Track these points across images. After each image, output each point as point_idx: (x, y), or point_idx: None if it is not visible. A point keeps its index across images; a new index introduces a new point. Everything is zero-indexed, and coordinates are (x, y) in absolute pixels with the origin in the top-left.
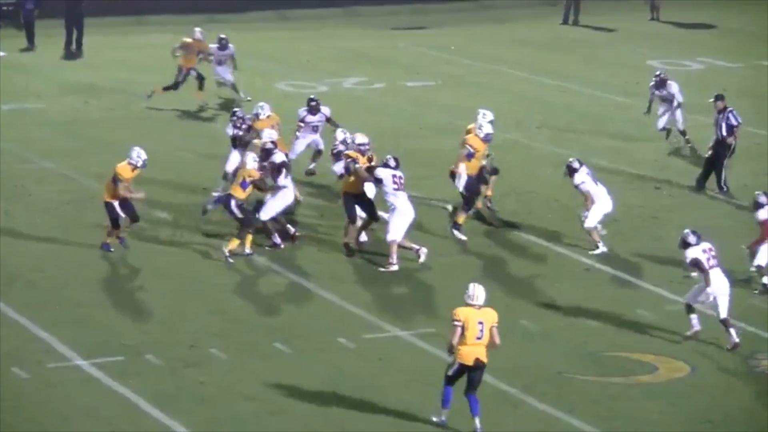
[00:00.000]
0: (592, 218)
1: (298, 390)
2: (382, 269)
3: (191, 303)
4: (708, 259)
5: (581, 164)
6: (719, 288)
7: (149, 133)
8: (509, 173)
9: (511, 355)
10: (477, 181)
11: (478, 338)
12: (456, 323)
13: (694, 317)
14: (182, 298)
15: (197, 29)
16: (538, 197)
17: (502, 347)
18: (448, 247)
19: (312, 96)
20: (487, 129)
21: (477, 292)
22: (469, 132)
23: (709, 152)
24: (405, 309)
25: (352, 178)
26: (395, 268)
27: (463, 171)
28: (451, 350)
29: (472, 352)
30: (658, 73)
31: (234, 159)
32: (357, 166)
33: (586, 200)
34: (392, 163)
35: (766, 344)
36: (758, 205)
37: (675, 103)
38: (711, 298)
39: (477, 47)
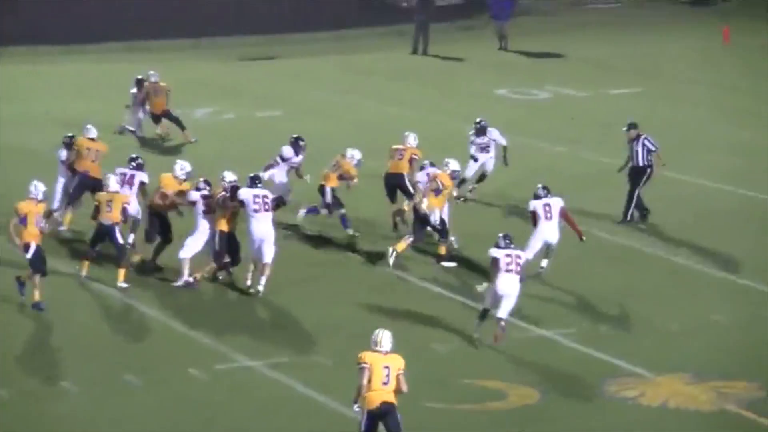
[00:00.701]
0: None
1: (150, 423)
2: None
3: (45, 335)
4: (508, 263)
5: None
6: (506, 290)
7: None
8: (359, 202)
9: (351, 381)
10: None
11: (384, 383)
12: (363, 365)
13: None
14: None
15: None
16: (388, 224)
17: (345, 372)
18: (300, 271)
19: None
20: (454, 166)
21: (382, 338)
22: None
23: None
24: (256, 338)
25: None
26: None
27: (428, 205)
28: (356, 399)
29: (377, 396)
30: (478, 120)
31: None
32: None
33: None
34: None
35: (613, 369)
36: (536, 197)
37: (491, 151)
38: (497, 298)
39: (327, 77)
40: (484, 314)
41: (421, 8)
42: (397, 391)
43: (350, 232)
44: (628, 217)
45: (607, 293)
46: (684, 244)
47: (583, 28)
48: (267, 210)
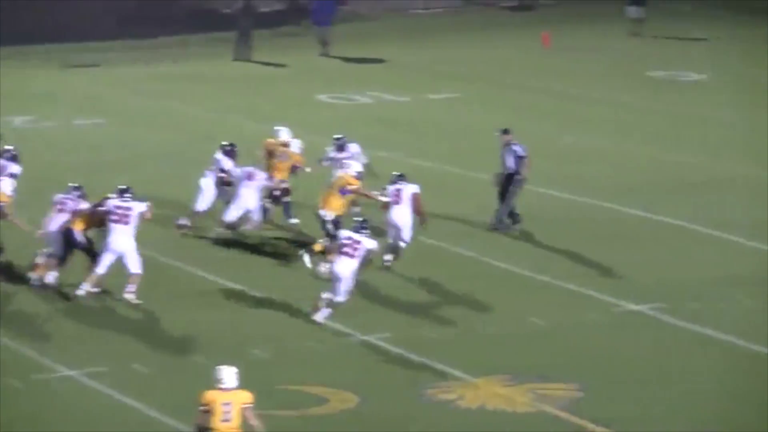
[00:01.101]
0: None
1: None
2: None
3: None
4: (344, 246)
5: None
6: (342, 272)
7: None
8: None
9: (169, 389)
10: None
11: (225, 420)
12: (201, 408)
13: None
14: None
15: None
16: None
17: (164, 380)
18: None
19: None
20: (356, 167)
21: (225, 375)
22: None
23: (498, 186)
24: (74, 347)
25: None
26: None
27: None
28: None
29: None
30: (338, 137)
31: None
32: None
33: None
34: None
35: (432, 373)
36: (390, 182)
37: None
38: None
39: (149, 84)
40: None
41: (243, 14)
42: (247, 428)
43: (293, 221)
44: (498, 224)
45: (426, 297)
46: (503, 248)
47: (404, 33)
48: (126, 223)
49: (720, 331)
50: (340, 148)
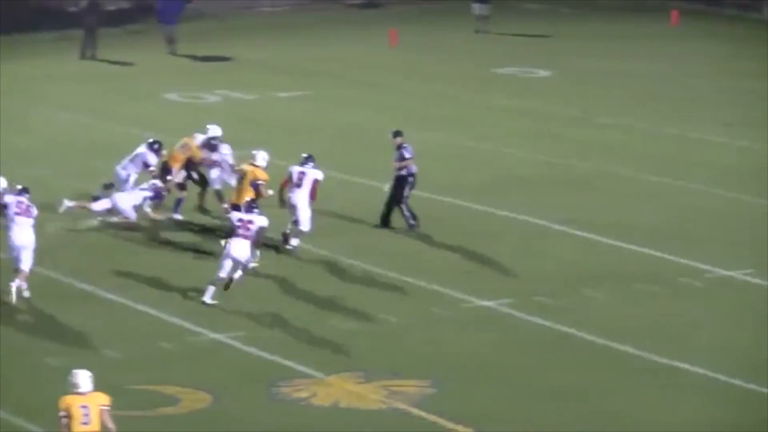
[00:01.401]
0: None
1: None
2: None
3: None
4: (238, 228)
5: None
6: (237, 253)
7: None
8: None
9: (21, 390)
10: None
11: (85, 423)
12: (60, 414)
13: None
14: None
15: None
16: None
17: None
18: None
19: None
20: (261, 161)
21: (80, 379)
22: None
23: (388, 189)
24: None
25: None
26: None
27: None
28: None
29: None
30: (213, 136)
31: None
32: None
33: None
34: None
35: (285, 371)
36: (300, 163)
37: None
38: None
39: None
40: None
41: (89, 13)
42: (104, 430)
43: (178, 216)
44: (413, 223)
45: (277, 295)
46: (352, 246)
47: (251, 31)
48: (29, 216)
49: (570, 327)
50: (212, 148)
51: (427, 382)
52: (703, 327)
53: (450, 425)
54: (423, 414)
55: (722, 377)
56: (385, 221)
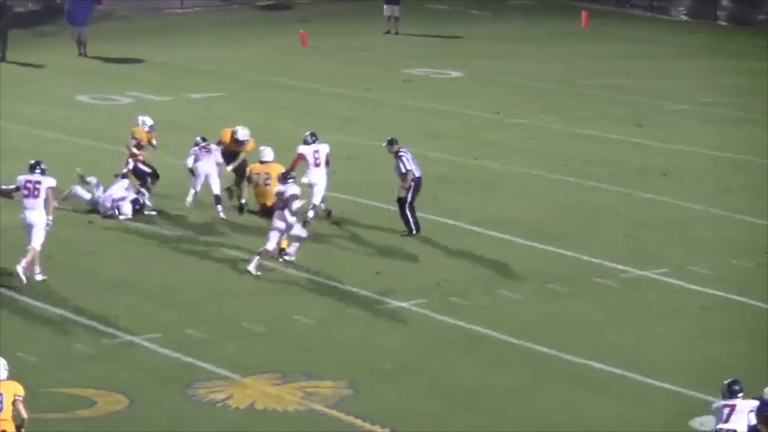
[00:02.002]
0: None
1: None
2: None
3: None
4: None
5: None
6: (275, 224)
7: None
8: None
9: None
10: None
11: None
12: None
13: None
14: None
15: None
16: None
17: None
18: None
19: None
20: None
21: None
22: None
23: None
24: None
25: None
26: None
27: None
28: None
29: None
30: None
31: None
32: None
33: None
34: None
35: (201, 373)
36: (305, 142)
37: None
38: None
39: None
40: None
41: None
42: (18, 419)
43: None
44: (414, 229)
45: (191, 296)
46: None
47: (161, 32)
48: (36, 197)
49: (485, 327)
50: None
51: (343, 383)
52: (618, 326)
53: (367, 426)
54: (340, 415)
55: (638, 377)
56: (416, 225)
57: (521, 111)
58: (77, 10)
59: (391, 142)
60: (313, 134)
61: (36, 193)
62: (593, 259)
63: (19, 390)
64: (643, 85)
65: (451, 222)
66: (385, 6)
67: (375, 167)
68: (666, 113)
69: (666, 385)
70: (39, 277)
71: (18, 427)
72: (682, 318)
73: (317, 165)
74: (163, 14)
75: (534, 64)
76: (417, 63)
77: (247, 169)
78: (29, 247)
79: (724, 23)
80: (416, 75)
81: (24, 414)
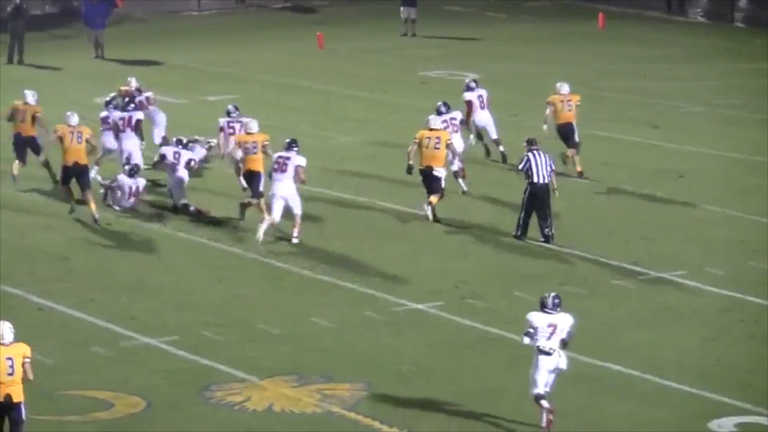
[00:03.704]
0: None
1: None
2: None
3: None
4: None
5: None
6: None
7: None
8: None
9: None
10: None
11: (9, 374)
12: None
13: None
14: None
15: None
16: None
17: None
18: None
19: None
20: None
21: (3, 330)
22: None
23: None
24: None
25: None
26: None
27: None
28: None
29: (3, 389)
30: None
31: None
32: None
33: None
34: None
35: (218, 375)
36: (468, 88)
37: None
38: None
39: None
40: None
41: (15, 17)
42: (25, 380)
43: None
44: (518, 232)
45: (210, 299)
46: (282, 248)
47: (179, 35)
48: (284, 171)
49: (501, 329)
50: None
51: (360, 385)
52: (635, 328)
53: (385, 428)
54: (358, 417)
55: (656, 379)
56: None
57: (538, 113)
58: (95, 12)
59: (527, 142)
60: (474, 80)
61: (284, 167)
62: (610, 261)
63: (27, 351)
64: (659, 87)
65: (468, 222)
66: (401, 8)
67: (391, 169)
68: (682, 115)
69: (684, 387)
70: (295, 240)
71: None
72: (699, 320)
73: (482, 108)
74: (180, 17)
75: (551, 66)
76: (434, 65)
77: (233, 139)
78: (269, 217)
79: (740, 24)
80: (433, 77)
81: (30, 375)
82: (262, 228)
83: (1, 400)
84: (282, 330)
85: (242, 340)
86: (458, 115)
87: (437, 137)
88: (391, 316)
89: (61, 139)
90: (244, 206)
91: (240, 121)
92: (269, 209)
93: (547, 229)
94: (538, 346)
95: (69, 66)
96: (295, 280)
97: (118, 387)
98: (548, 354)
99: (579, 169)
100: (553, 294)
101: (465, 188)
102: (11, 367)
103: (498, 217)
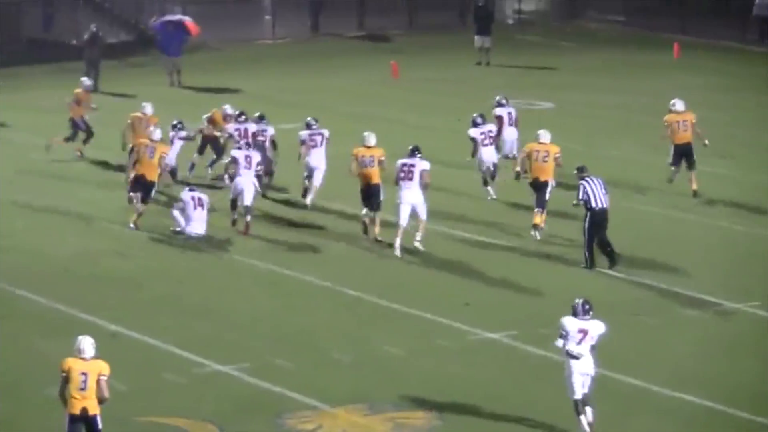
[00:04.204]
0: None
1: None
2: None
3: None
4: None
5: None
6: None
7: None
8: None
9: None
10: None
11: (82, 389)
12: (61, 374)
13: None
14: None
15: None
16: None
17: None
18: None
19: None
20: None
21: (84, 345)
22: None
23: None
24: None
25: None
26: None
27: None
28: (63, 401)
29: (77, 403)
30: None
31: None
32: None
33: None
34: None
35: (290, 403)
36: (499, 105)
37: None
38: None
39: None
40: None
41: (91, 45)
42: (100, 398)
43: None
44: (586, 263)
45: (280, 326)
46: (353, 275)
47: (252, 63)
48: (410, 179)
49: None
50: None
51: (433, 413)
52: (709, 358)
53: None
54: None
55: (731, 410)
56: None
57: (612, 143)
58: (171, 40)
59: (578, 169)
60: (504, 97)
61: (410, 175)
62: (683, 291)
63: (104, 369)
64: (731, 117)
65: (540, 251)
66: (476, 37)
67: (463, 196)
68: (754, 146)
69: (760, 419)
70: (419, 245)
71: (99, 401)
72: None
73: (510, 125)
74: (254, 45)
75: (624, 95)
76: (508, 94)
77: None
78: (421, 220)
79: None
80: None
81: (106, 393)
82: (397, 242)
83: (77, 413)
84: (353, 358)
85: (314, 367)
86: (494, 128)
87: (546, 151)
88: (463, 344)
89: (137, 150)
90: (365, 224)
91: (321, 133)
92: (374, 222)
93: (609, 248)
94: (567, 350)
95: (144, 93)
96: (367, 308)
97: (191, 414)
98: (577, 358)
99: (694, 187)
100: (582, 300)
101: (494, 195)
102: (84, 382)
103: (567, 246)
